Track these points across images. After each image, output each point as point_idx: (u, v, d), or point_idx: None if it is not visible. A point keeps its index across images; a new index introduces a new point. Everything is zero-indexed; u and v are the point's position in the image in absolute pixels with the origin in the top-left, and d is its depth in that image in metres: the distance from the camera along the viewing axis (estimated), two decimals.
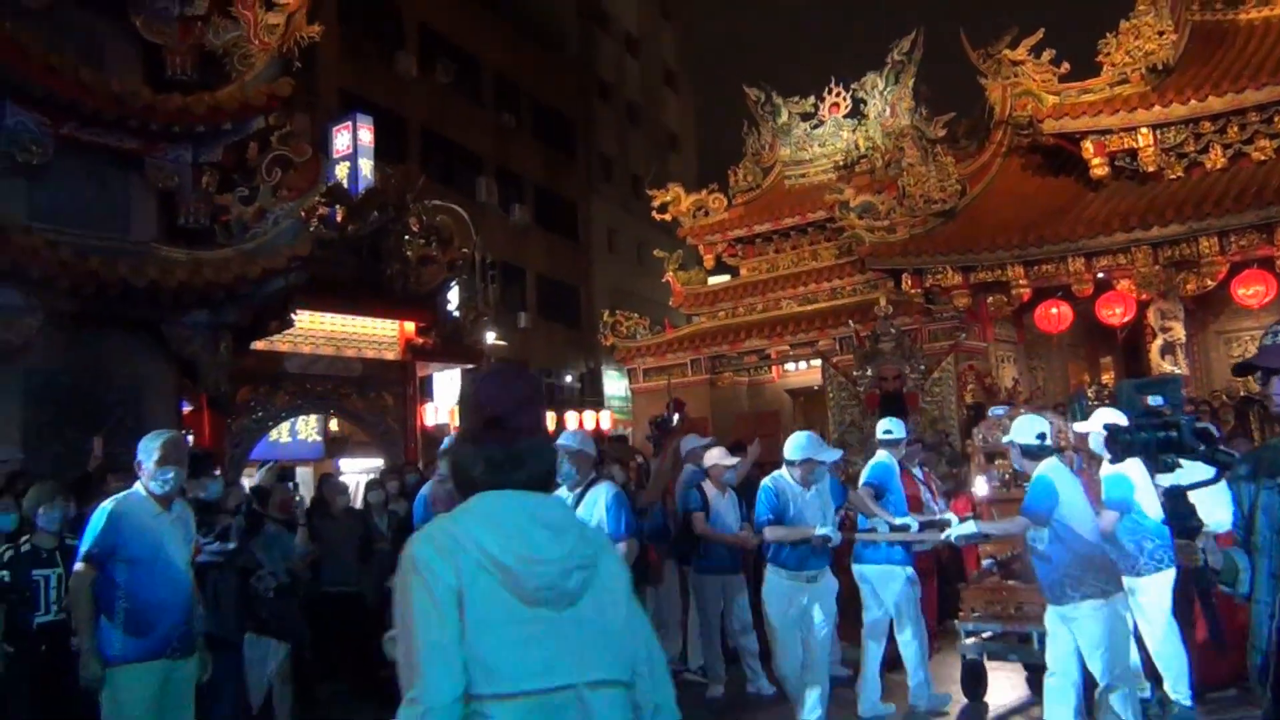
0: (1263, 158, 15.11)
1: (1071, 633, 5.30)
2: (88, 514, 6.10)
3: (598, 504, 5.68)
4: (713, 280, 23.27)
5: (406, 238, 15.80)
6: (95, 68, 9.23)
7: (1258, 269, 14.44)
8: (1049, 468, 5.36)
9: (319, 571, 7.94)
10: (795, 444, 6.23)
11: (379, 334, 15.64)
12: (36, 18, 9.14)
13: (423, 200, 16.84)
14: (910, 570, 6.67)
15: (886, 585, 6.65)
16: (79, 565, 4.62)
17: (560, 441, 5.69)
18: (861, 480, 6.97)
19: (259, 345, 12.59)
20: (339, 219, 15.09)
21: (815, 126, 22.57)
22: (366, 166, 21.77)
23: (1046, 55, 17.02)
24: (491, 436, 2.01)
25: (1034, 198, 17.43)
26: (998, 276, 16.39)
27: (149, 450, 4.65)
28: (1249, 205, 14.16)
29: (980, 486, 7.68)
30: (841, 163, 21.40)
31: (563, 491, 5.66)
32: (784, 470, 6.21)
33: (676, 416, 10.21)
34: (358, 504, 10.09)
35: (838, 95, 22.29)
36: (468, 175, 29.63)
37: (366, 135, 22.15)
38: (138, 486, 4.70)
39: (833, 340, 18.94)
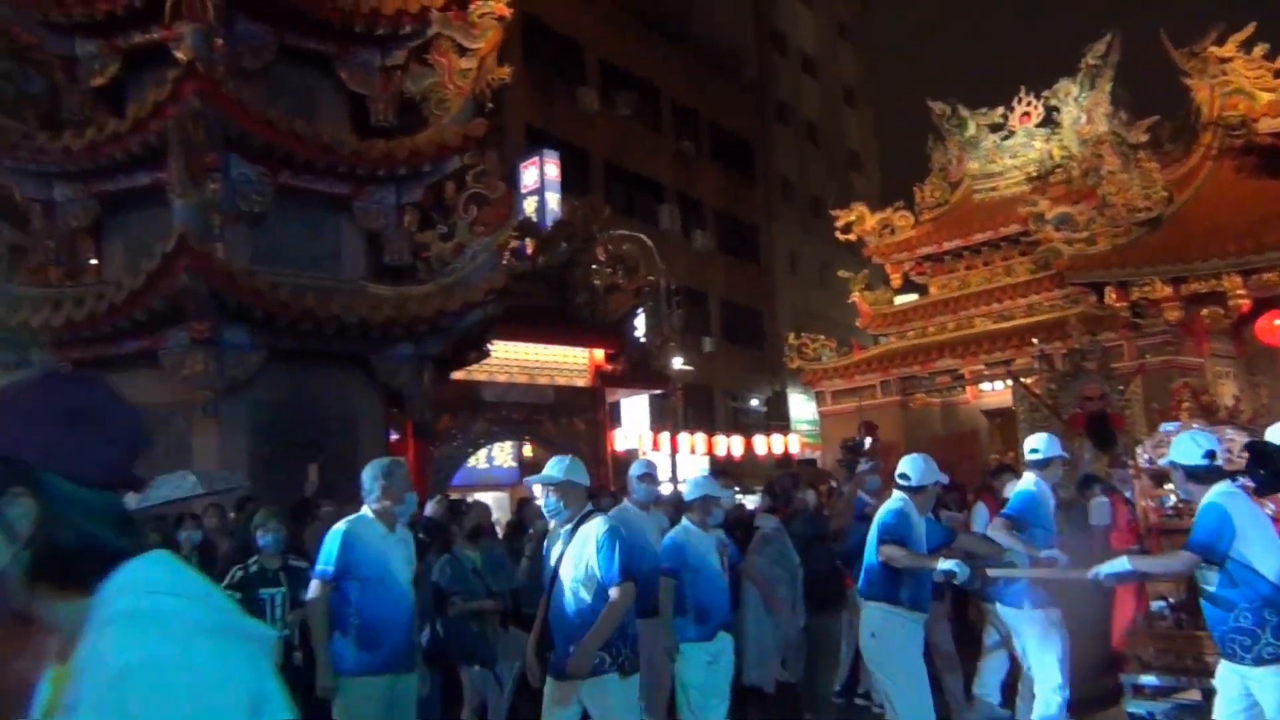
0: None
1: (1248, 694, 4.39)
2: (312, 536, 6.48)
3: (588, 543, 4.75)
4: (899, 300, 22.77)
5: (594, 267, 16.19)
6: (306, 119, 9.89)
7: None
8: (1221, 493, 4.45)
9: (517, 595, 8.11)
10: (919, 466, 5.51)
11: (569, 362, 16.04)
12: (255, 76, 9.88)
13: (608, 230, 17.20)
14: (1051, 613, 5.86)
15: (1019, 630, 6.03)
16: (315, 583, 4.88)
17: (545, 472, 4.92)
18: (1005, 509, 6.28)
19: (457, 375, 13.13)
20: (529, 251, 15.60)
21: (1005, 138, 21.82)
22: (553, 199, 22.45)
23: (1258, 51, 15.94)
24: (123, 477, 1.31)
25: (1250, 202, 16.28)
26: (1212, 287, 15.41)
27: (390, 475, 4.91)
28: None
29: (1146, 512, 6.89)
30: (1035, 174, 20.59)
31: (552, 527, 5.05)
32: (903, 495, 5.53)
33: (869, 440, 10.03)
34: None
35: (1028, 104, 21.49)
36: (649, 203, 30.10)
37: (553, 170, 22.86)
38: (365, 510, 4.95)
39: (1030, 358, 18.17)
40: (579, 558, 4.73)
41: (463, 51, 10.63)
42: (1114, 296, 16.28)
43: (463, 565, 6.56)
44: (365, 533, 4.86)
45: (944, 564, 5.20)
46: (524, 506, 9.59)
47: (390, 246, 10.31)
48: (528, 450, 17.96)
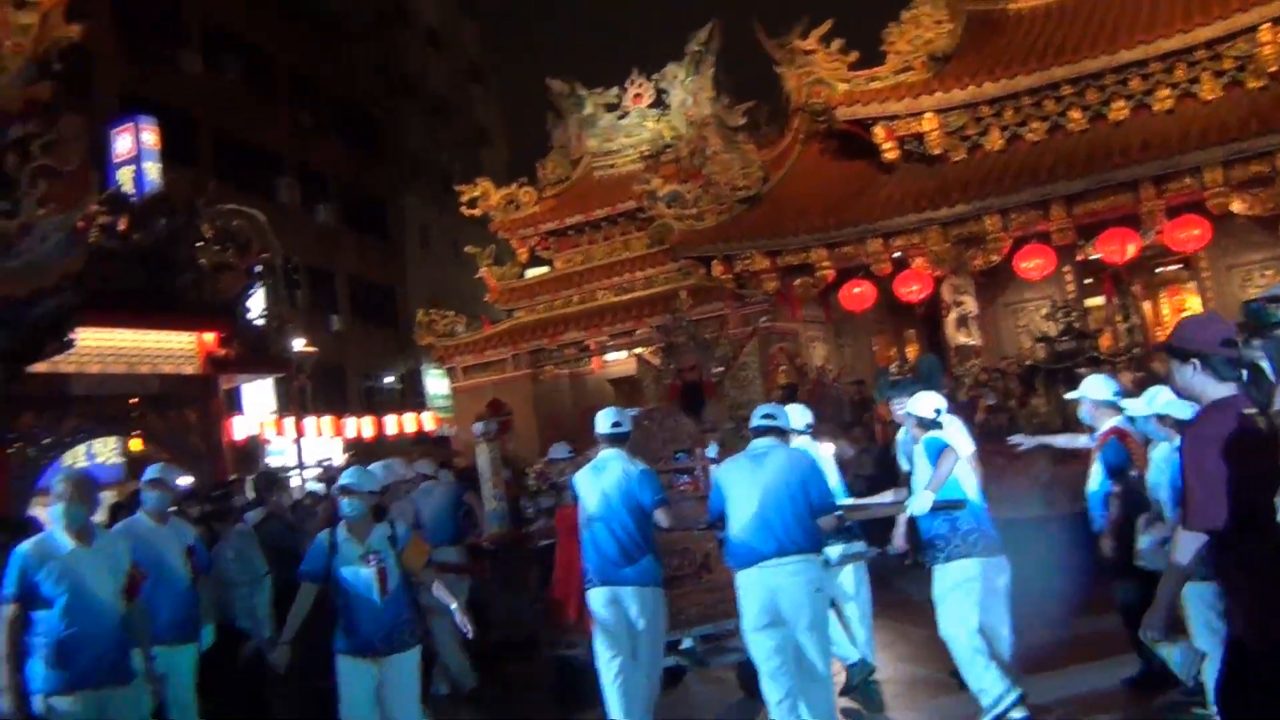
0: (1036, 139, 16.06)
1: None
2: None
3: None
4: (529, 274, 23.14)
5: (199, 245, 15.03)
6: None
7: (1037, 243, 15.35)
8: (940, 436, 5.86)
9: None
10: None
11: (176, 348, 14.81)
12: None
13: (214, 205, 16.06)
14: None
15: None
16: (4, 607, 4.67)
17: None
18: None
19: (39, 368, 11.72)
20: (122, 228, 14.20)
21: (620, 118, 22.70)
22: (153, 170, 20.63)
23: (836, 44, 17.58)
24: None
25: (833, 182, 18.02)
26: (803, 259, 16.88)
27: (66, 490, 4.84)
28: (1025, 184, 15.03)
29: None
30: (648, 153, 21.60)
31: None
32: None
33: (492, 422, 10.06)
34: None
35: (640, 86, 22.48)
36: (266, 177, 28.43)
37: (150, 137, 20.97)
38: (53, 527, 4.88)
39: (650, 329, 19.10)
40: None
41: (21, 5, 9.40)
42: (720, 269, 17.45)
43: None
44: (49, 551, 4.76)
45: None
46: None
47: None
48: (135, 444, 16.48)
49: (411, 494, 8.28)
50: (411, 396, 32.39)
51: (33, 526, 7.06)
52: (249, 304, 15.97)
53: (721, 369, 8.47)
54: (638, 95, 22.44)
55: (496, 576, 8.67)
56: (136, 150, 20.23)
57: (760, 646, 5.35)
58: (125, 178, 19.86)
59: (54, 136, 9.57)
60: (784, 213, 17.40)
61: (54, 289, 9.02)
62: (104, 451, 16.13)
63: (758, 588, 5.32)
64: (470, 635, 5.52)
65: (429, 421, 27.25)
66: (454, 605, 5.40)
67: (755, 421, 5.72)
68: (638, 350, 17.87)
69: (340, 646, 5.26)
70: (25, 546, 4.78)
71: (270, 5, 29.55)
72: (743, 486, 5.45)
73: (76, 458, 15.23)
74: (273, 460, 22.19)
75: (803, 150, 19.24)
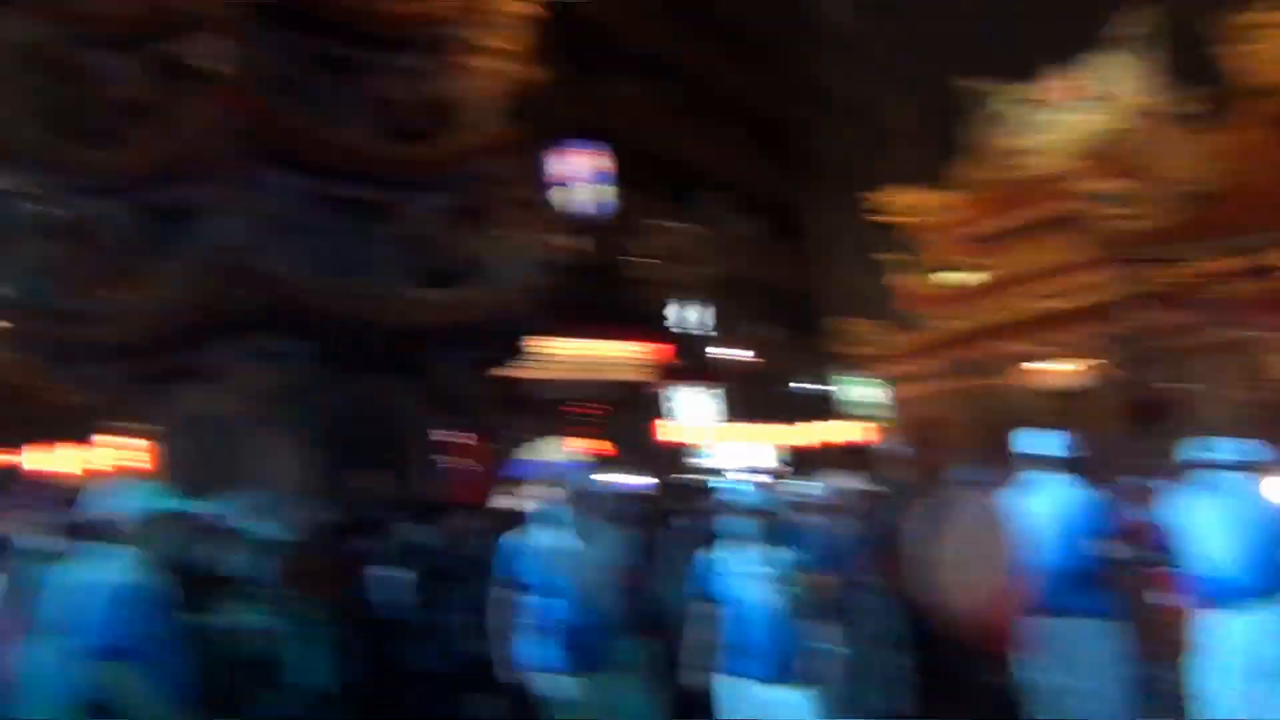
0: None
1: None
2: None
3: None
4: (948, 279, 22.52)
5: (641, 261, 16.23)
6: (338, 126, 10.01)
7: None
8: None
9: None
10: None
11: (622, 357, 16.12)
12: (287, 86, 10.00)
13: (653, 222, 17.24)
14: None
15: None
16: (499, 591, 5.25)
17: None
18: None
19: (507, 373, 13.22)
20: (573, 247, 15.66)
21: (1037, 113, 21.43)
22: (598, 192, 22.36)
23: None
24: None
25: None
26: (1265, 260, 15.10)
27: (551, 489, 5.36)
28: None
29: None
30: (1073, 150, 20.22)
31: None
32: None
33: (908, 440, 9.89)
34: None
35: (1060, 79, 21.10)
36: (692, 192, 29.90)
37: (595, 161, 22.79)
38: (538, 521, 5.34)
39: (1087, 339, 17.88)
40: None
41: (494, 53, 10.70)
42: (1166, 273, 16.02)
43: None
44: (534, 541, 5.24)
45: None
46: None
47: (433, 252, 10.43)
48: (586, 444, 18.04)
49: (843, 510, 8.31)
50: (832, 404, 32.53)
51: (511, 517, 7.99)
52: (685, 315, 17.05)
53: (1177, 385, 7.75)
54: (1056, 89, 21.08)
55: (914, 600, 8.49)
56: (583, 174, 22.09)
57: (1229, 693, 4.92)
58: (572, 200, 21.77)
59: (521, 167, 10.80)
60: (1238, 208, 15.65)
61: (524, 304, 10.17)
62: (556, 450, 17.91)
63: (1237, 629, 4.90)
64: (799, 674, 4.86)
65: (855, 431, 27.01)
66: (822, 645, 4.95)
67: (1209, 454, 5.27)
68: (1074, 362, 16.80)
69: (722, 667, 4.93)
70: (520, 537, 5.27)
71: (691, 26, 31.13)
72: (1211, 520, 5.03)
73: (535, 455, 17.03)
74: (703, 464, 23.24)
75: (1256, 138, 17.15)
